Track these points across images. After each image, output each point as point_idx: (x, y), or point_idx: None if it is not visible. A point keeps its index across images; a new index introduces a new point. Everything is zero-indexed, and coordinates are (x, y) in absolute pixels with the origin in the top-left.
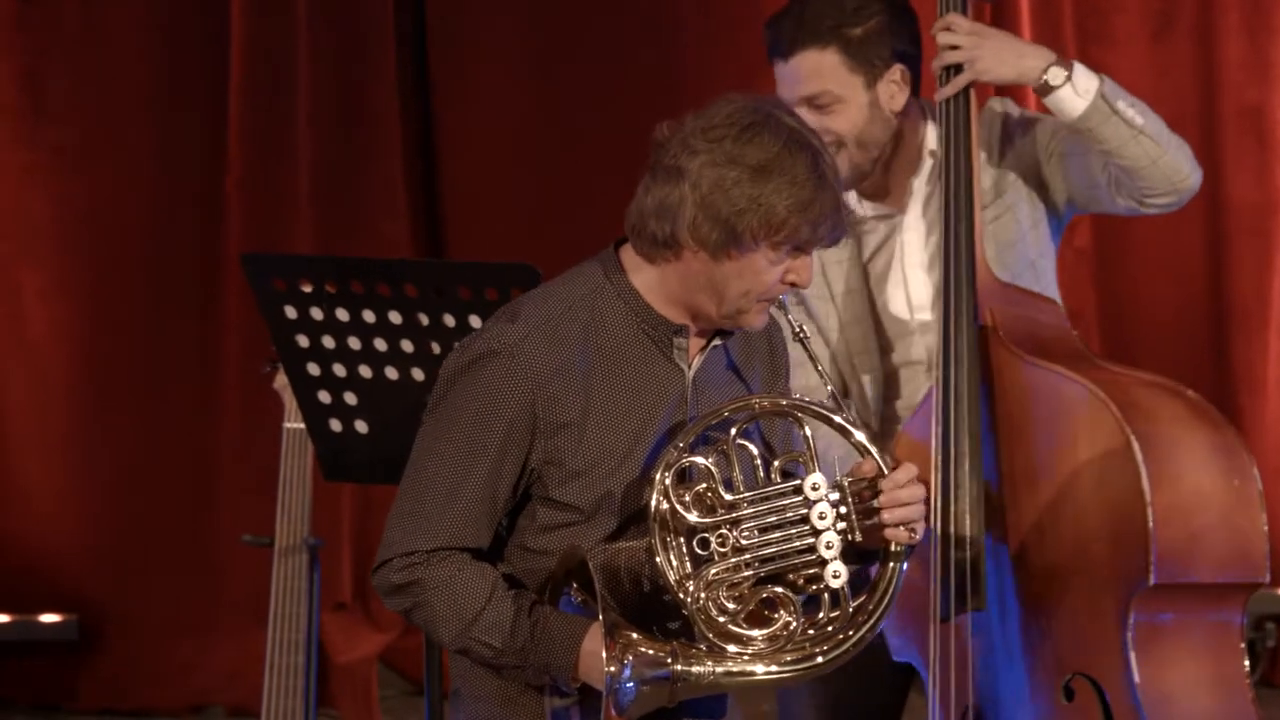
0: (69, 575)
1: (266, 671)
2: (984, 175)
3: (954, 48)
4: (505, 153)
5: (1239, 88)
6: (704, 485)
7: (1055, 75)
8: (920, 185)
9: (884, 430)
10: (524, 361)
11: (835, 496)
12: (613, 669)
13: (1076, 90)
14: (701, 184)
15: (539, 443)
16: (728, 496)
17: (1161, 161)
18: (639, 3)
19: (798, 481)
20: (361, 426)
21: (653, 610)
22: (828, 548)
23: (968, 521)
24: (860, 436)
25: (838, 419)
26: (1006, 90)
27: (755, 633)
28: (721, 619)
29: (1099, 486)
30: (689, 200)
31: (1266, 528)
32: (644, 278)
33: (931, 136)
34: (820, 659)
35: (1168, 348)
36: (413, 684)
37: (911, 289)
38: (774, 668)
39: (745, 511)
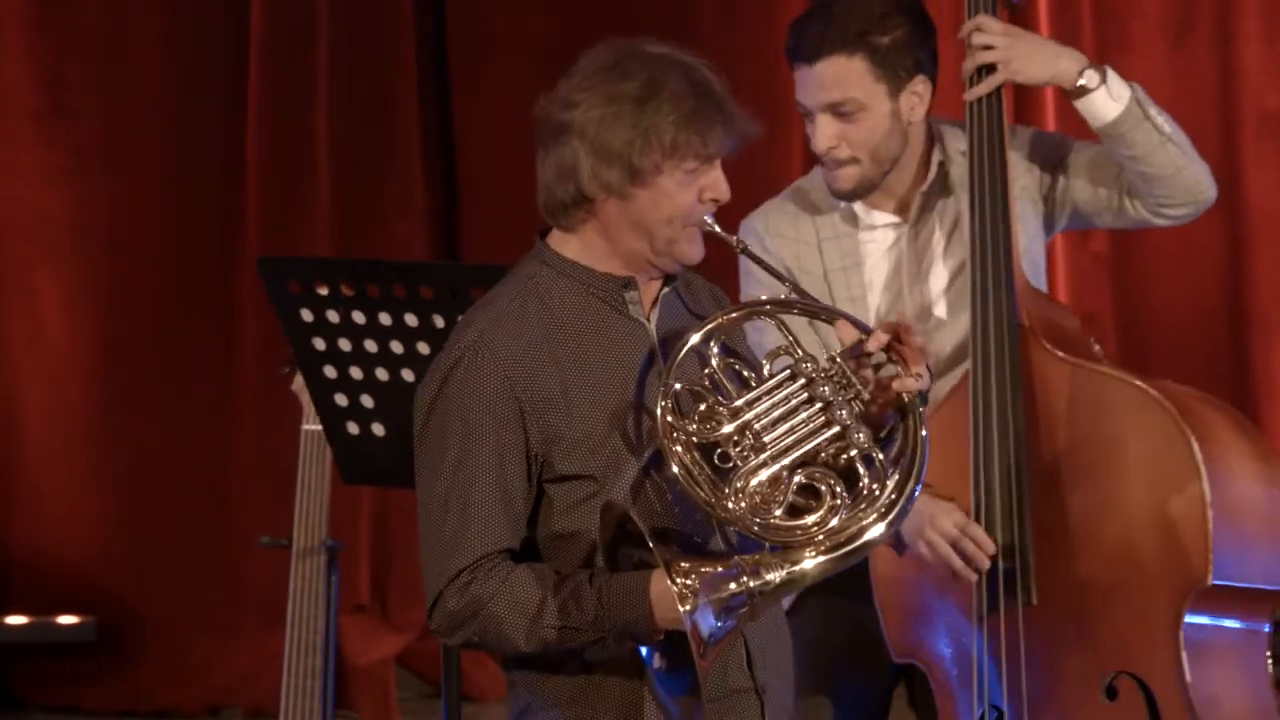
0: (86, 577)
1: (284, 673)
2: None
3: (988, 48)
4: (523, 154)
5: (1258, 93)
6: (704, 405)
7: (1090, 78)
8: (926, 195)
9: None
10: (487, 355)
11: (832, 367)
12: (687, 606)
13: (1111, 94)
14: (587, 130)
15: (532, 425)
16: (731, 406)
17: (1186, 171)
18: (659, 4)
19: (790, 369)
20: (378, 429)
21: (706, 534)
22: (842, 415)
23: (998, 525)
24: (833, 309)
25: (807, 301)
26: (1036, 96)
27: (807, 520)
28: (768, 520)
29: (1154, 487)
30: (580, 151)
31: None
32: (574, 247)
33: (939, 148)
34: (876, 528)
35: (1185, 353)
36: (431, 686)
37: (915, 298)
38: (837, 552)
39: (752, 413)
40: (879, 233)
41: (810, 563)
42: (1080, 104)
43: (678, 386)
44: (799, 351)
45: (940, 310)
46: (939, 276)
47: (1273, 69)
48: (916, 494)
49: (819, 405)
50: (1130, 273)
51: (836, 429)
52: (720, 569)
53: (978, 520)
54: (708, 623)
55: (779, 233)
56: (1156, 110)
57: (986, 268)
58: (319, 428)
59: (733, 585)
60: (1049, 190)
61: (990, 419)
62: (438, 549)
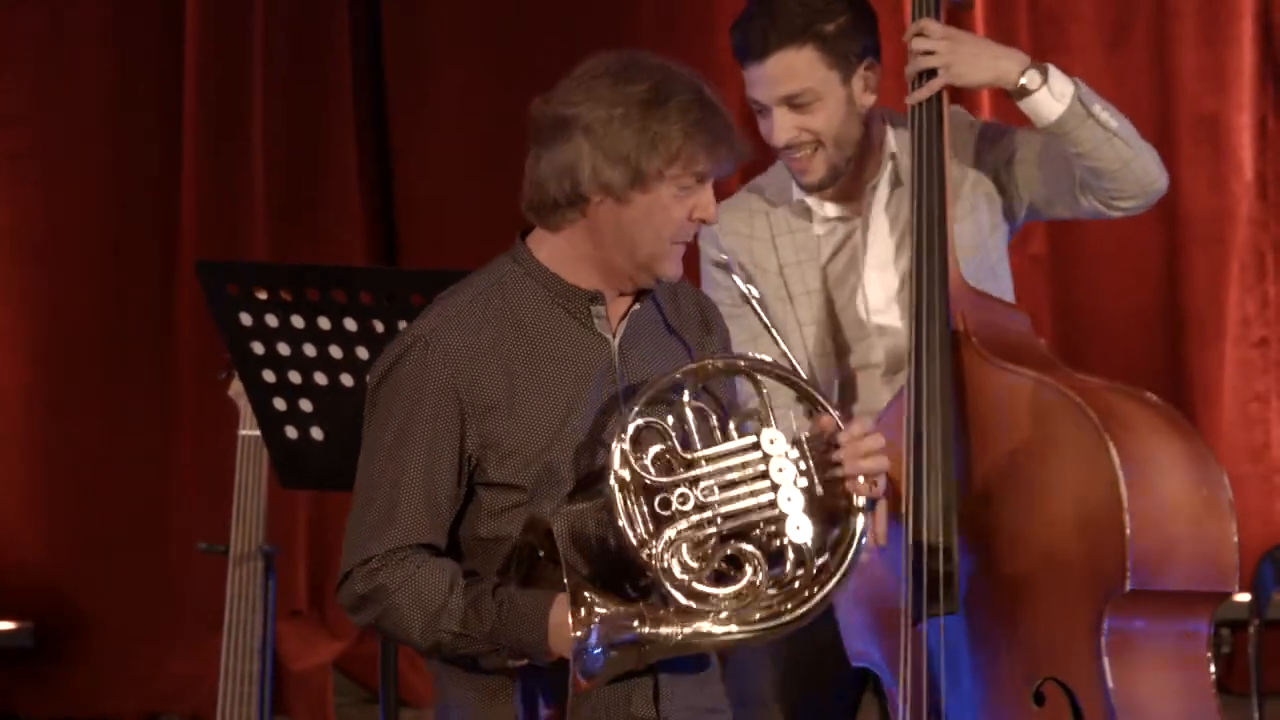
0: (24, 583)
1: (222, 679)
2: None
3: (928, 53)
4: (460, 161)
5: (1195, 96)
6: (661, 446)
7: (1032, 79)
8: (880, 188)
9: None
10: (438, 350)
11: (794, 451)
12: (579, 634)
13: (1053, 94)
14: (594, 129)
15: (470, 427)
16: (686, 455)
17: (1134, 164)
18: (596, 12)
19: (755, 437)
20: (317, 433)
21: (621, 572)
22: (788, 501)
23: (939, 527)
24: (816, 394)
25: (793, 376)
26: (972, 96)
27: (720, 591)
28: (685, 578)
29: (1074, 492)
30: (584, 149)
31: (1236, 537)
32: (550, 250)
33: (892, 140)
34: (787, 616)
35: (1122, 356)
36: (368, 691)
37: (869, 291)
38: (742, 626)
39: (705, 469)
40: (833, 225)
41: (711, 632)
42: (1023, 104)
43: (640, 422)
44: (771, 421)
45: (895, 306)
46: (893, 272)
47: (1209, 73)
48: (833, 592)
49: (769, 484)
50: (1067, 275)
51: (778, 513)
52: (623, 609)
53: (908, 527)
54: (591, 655)
55: (733, 230)
56: (1101, 106)
57: (923, 271)
58: (257, 433)
59: (629, 628)
60: (1006, 182)
61: (922, 423)
62: (358, 529)
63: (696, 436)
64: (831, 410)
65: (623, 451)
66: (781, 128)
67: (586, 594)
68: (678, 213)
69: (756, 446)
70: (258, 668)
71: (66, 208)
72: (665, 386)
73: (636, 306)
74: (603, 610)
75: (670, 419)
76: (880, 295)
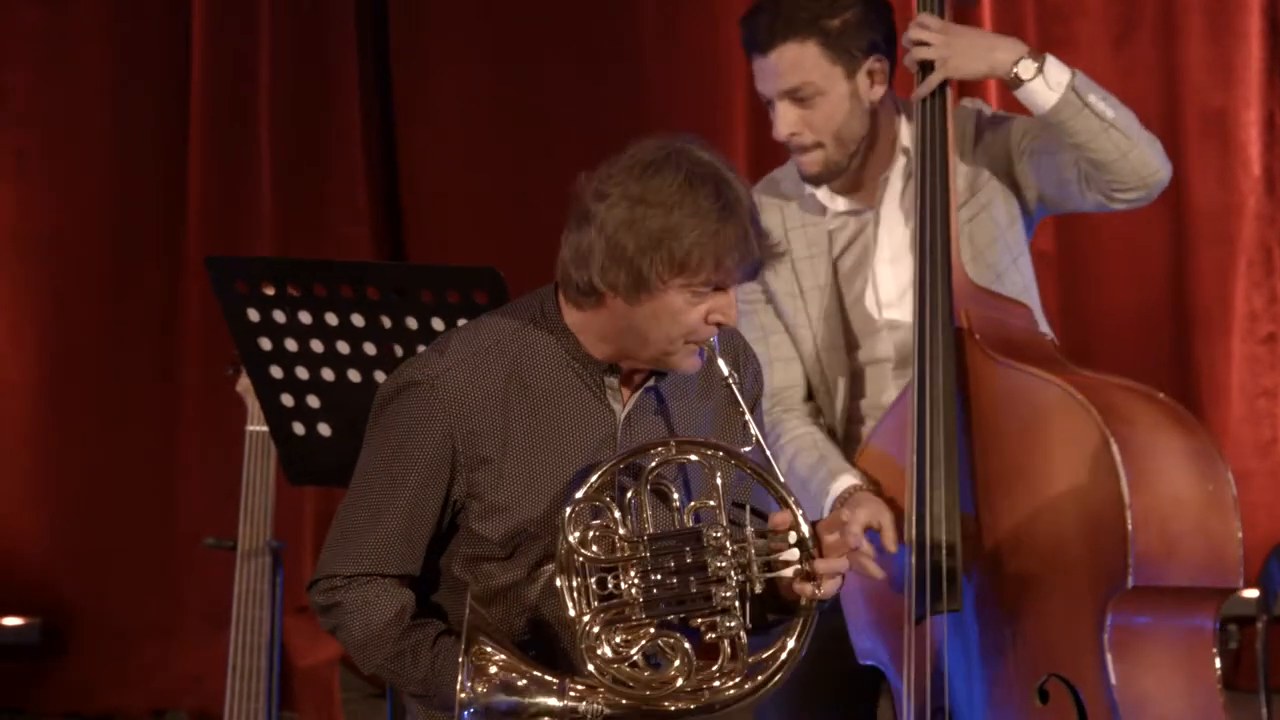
0: (31, 579)
1: (229, 675)
2: (959, 174)
3: (923, 44)
4: (466, 156)
5: (1202, 91)
6: (606, 523)
7: (1026, 68)
8: (892, 181)
9: (847, 428)
10: (442, 395)
11: (737, 546)
12: (463, 696)
13: (1048, 83)
14: (607, 227)
15: (460, 476)
16: (626, 538)
17: (1132, 155)
18: (601, 6)
19: (697, 527)
20: (324, 430)
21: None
22: (725, 598)
23: (943, 524)
24: (779, 488)
25: (758, 469)
26: (977, 88)
27: (642, 677)
28: (610, 657)
29: (1077, 489)
30: (596, 245)
31: (1240, 533)
32: (576, 319)
33: (905, 133)
34: (717, 708)
35: (1130, 351)
36: (375, 687)
37: (880, 286)
38: (669, 714)
39: (643, 554)
40: (844, 219)
41: (621, 714)
42: (1019, 94)
43: (592, 499)
44: (721, 512)
45: (907, 299)
46: (905, 265)
47: (1216, 68)
48: (763, 694)
49: (707, 575)
50: (1075, 271)
51: (714, 605)
52: (537, 674)
53: (913, 526)
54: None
55: None
56: (1098, 96)
57: (926, 269)
58: (264, 428)
59: (531, 695)
60: (1019, 175)
61: (926, 420)
62: (338, 540)
63: (651, 517)
64: (791, 504)
65: (570, 524)
66: (784, 121)
67: (488, 647)
68: (691, 317)
69: (697, 537)
70: (265, 663)
71: (72, 205)
72: (630, 462)
73: (650, 383)
74: (514, 668)
75: (630, 495)
76: (892, 289)
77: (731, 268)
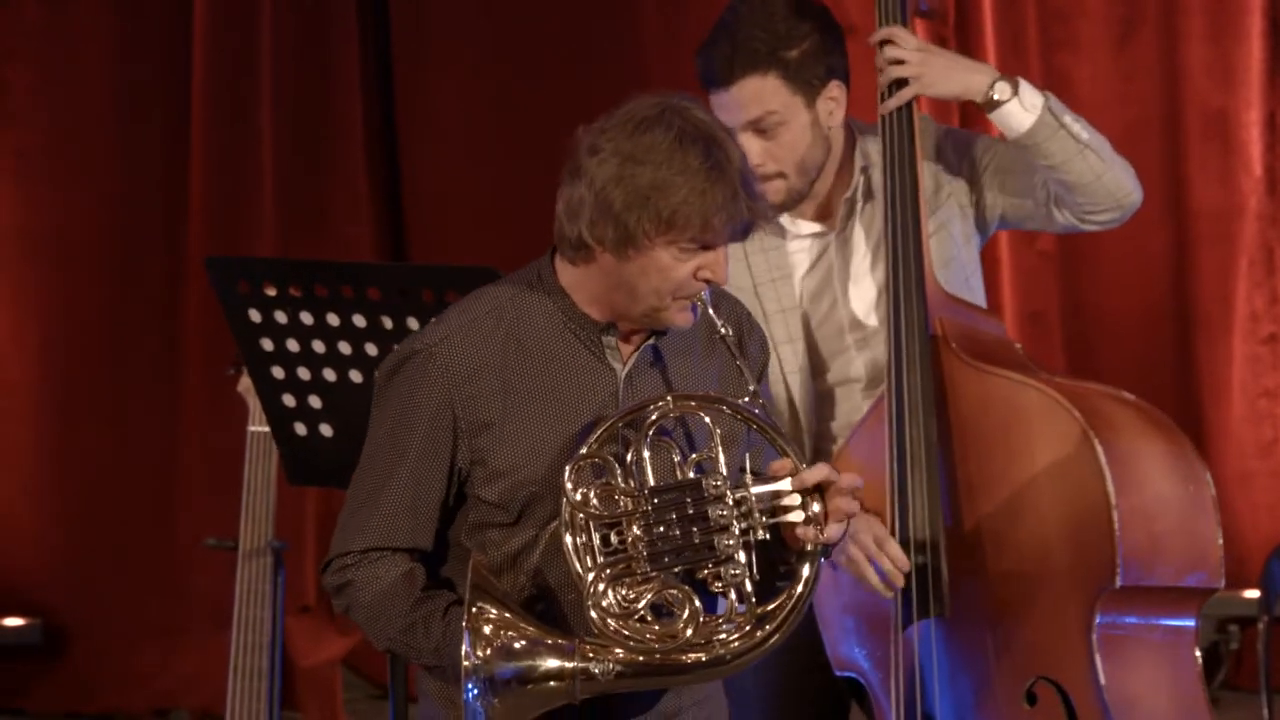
0: (32, 579)
1: (231, 674)
2: (925, 185)
3: (899, 62)
4: (467, 157)
5: (1203, 92)
6: (608, 480)
7: (1002, 90)
8: (852, 202)
9: (818, 450)
10: (440, 362)
11: (739, 494)
12: (467, 665)
13: (1023, 105)
14: (596, 182)
15: (463, 443)
16: (629, 490)
17: (1106, 177)
18: (601, 7)
19: (697, 478)
20: (326, 430)
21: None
22: (728, 545)
23: (926, 529)
24: (778, 437)
25: (755, 417)
26: (944, 107)
27: (651, 630)
28: (617, 612)
29: (1061, 491)
30: (587, 200)
31: (1221, 533)
32: (570, 277)
33: (861, 153)
34: (729, 659)
35: (1131, 352)
36: (377, 687)
37: (848, 306)
38: (681, 666)
39: (645, 507)
40: (807, 242)
41: (633, 671)
42: (994, 116)
43: (594, 456)
44: (720, 464)
45: (873, 319)
46: (869, 284)
47: (1217, 69)
48: (772, 643)
49: (709, 525)
50: (1077, 272)
51: (717, 554)
52: (546, 636)
53: (894, 532)
54: (499, 682)
55: None
56: (1072, 118)
57: (899, 279)
58: (265, 429)
59: (541, 657)
60: (978, 196)
61: (904, 427)
62: (344, 523)
63: (653, 472)
64: (790, 452)
65: (573, 481)
66: (747, 152)
67: (490, 610)
68: (680, 272)
69: (698, 487)
70: (267, 663)
71: (74, 204)
72: (630, 419)
73: (651, 339)
74: (521, 629)
75: (631, 452)
76: (860, 307)
77: (719, 227)
